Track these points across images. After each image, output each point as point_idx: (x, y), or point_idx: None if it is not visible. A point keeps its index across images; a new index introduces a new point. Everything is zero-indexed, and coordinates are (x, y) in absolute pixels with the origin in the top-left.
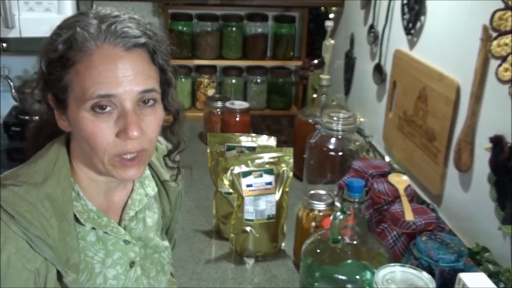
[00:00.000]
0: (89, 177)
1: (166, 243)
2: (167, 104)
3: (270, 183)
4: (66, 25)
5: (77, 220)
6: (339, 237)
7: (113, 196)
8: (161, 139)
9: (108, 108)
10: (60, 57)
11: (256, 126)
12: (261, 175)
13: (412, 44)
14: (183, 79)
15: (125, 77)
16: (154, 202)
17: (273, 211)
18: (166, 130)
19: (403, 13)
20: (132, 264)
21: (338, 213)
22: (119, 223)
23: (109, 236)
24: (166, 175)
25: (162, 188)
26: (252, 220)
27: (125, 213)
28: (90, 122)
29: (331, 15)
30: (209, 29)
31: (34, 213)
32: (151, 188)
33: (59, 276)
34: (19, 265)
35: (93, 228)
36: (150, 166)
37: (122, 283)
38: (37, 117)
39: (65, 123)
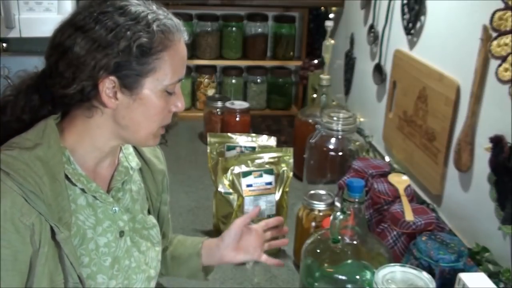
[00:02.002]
0: (93, 145)
1: (154, 220)
2: None
3: (270, 183)
4: (155, 16)
5: (68, 180)
6: (339, 237)
7: (101, 169)
8: None
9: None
10: (154, 43)
11: (256, 126)
12: (261, 175)
13: (412, 44)
14: (183, 79)
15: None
16: (139, 179)
17: (273, 211)
18: None
19: (403, 13)
20: (121, 233)
21: (338, 213)
22: (107, 193)
23: (99, 204)
24: (148, 154)
25: (146, 166)
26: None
27: (112, 183)
28: (163, 99)
29: (331, 15)
30: (209, 29)
31: (27, 171)
32: (135, 163)
33: (53, 234)
34: (15, 219)
35: (83, 191)
36: (134, 146)
37: (113, 251)
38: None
39: (116, 101)
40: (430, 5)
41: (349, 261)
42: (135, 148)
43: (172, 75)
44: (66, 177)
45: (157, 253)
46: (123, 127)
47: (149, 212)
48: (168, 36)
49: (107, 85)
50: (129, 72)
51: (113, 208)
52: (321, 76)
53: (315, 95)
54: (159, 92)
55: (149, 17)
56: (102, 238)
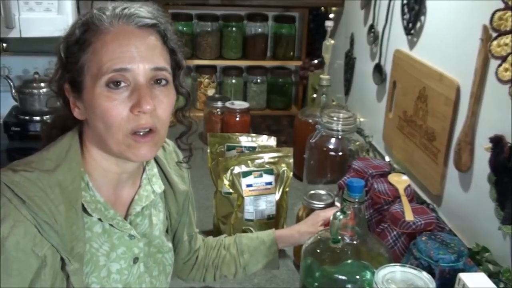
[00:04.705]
0: (101, 167)
1: (170, 244)
2: (178, 86)
3: (270, 183)
4: (85, 13)
5: (84, 210)
6: (339, 237)
7: (122, 191)
8: (168, 140)
9: (122, 84)
10: (78, 40)
11: (256, 126)
12: (261, 175)
13: (412, 44)
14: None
15: (138, 52)
16: (160, 201)
17: (273, 211)
18: (178, 113)
19: (403, 13)
20: (136, 260)
21: (338, 213)
22: (125, 218)
23: (115, 230)
24: (173, 174)
25: (169, 188)
26: (252, 220)
27: (132, 208)
28: (105, 97)
29: (331, 15)
30: (209, 29)
31: (43, 198)
32: (158, 185)
33: (63, 265)
34: (27, 249)
35: (100, 220)
36: (158, 164)
37: (125, 279)
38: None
39: (80, 111)
40: (430, 5)
41: (349, 261)
42: (160, 168)
43: (104, 65)
44: (83, 206)
45: (167, 275)
46: (99, 140)
47: (167, 232)
48: (94, 29)
49: (67, 94)
50: (71, 74)
51: (130, 234)
52: (321, 76)
53: (315, 95)
54: (99, 89)
55: (82, 17)
56: (115, 264)
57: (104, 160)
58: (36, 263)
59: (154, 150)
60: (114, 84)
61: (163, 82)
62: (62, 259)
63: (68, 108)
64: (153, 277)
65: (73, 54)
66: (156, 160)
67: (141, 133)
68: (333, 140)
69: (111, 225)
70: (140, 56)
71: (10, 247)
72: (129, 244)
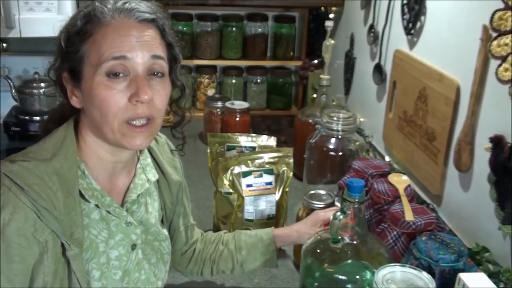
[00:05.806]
0: (97, 156)
1: (166, 232)
2: (174, 78)
3: (270, 183)
4: (87, 4)
5: (82, 197)
6: (339, 237)
7: (117, 180)
8: (160, 133)
9: (121, 75)
10: (79, 30)
11: (256, 126)
12: (261, 175)
13: (412, 44)
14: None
15: (138, 42)
16: (155, 190)
17: (273, 211)
18: (173, 104)
19: (403, 13)
20: (133, 246)
21: (338, 213)
22: (122, 206)
23: (112, 217)
24: (166, 165)
25: (163, 178)
26: (252, 220)
27: (128, 196)
28: (104, 86)
29: (331, 15)
30: (209, 29)
31: (42, 185)
32: (152, 174)
33: (63, 250)
34: (28, 234)
35: (97, 206)
36: (151, 154)
37: (124, 265)
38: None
39: (77, 99)
40: (430, 5)
41: (349, 261)
42: (153, 158)
43: (104, 53)
44: (80, 192)
45: (165, 264)
46: (95, 128)
47: (162, 222)
48: (95, 20)
49: (65, 82)
50: (70, 63)
51: (127, 221)
52: (321, 76)
53: (315, 95)
54: (99, 78)
55: (84, 9)
56: (113, 251)
57: (100, 148)
58: (38, 249)
59: (149, 139)
60: (114, 74)
61: (160, 74)
62: (62, 245)
63: (65, 96)
64: (151, 264)
65: (74, 44)
66: (150, 151)
67: (137, 124)
68: (333, 140)
69: (108, 212)
70: (139, 45)
71: (11, 233)
72: (127, 231)
